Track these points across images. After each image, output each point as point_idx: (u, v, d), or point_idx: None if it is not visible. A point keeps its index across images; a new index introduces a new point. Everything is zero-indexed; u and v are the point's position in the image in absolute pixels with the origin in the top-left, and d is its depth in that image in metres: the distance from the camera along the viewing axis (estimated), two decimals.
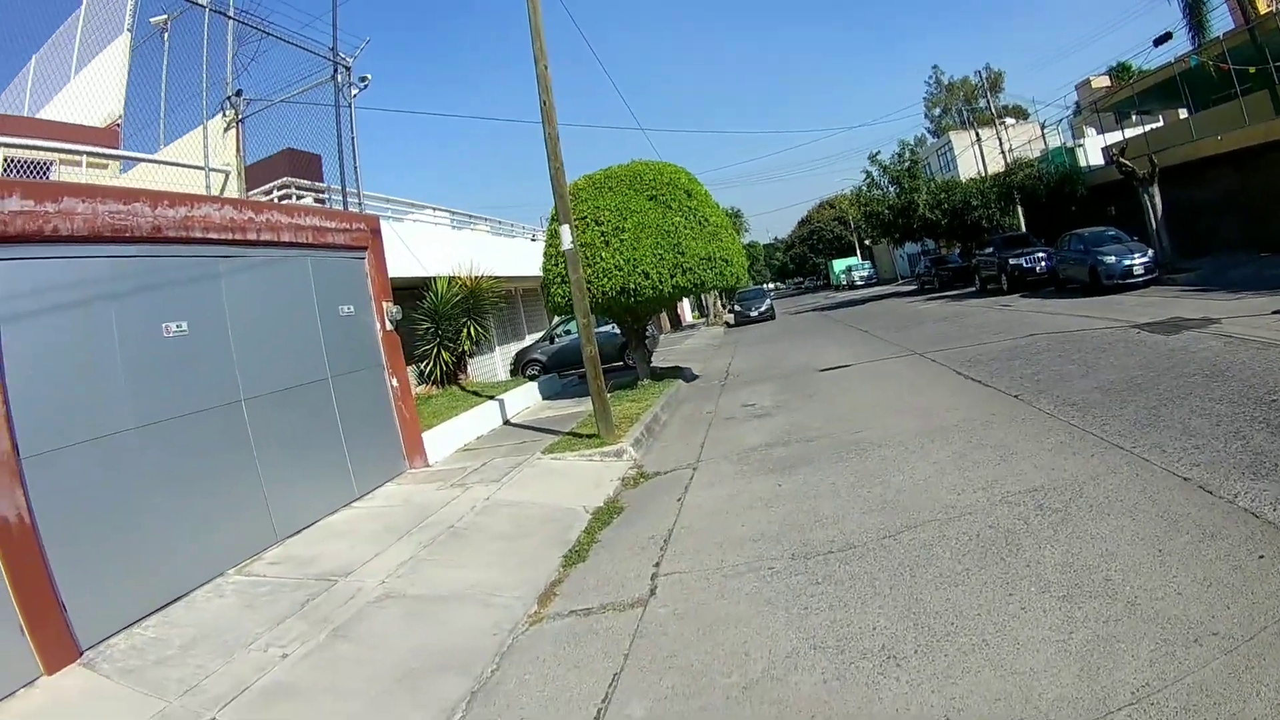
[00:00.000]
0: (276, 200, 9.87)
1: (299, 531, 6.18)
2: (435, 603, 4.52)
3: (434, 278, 13.08)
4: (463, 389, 12.83)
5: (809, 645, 3.21)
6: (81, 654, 4.16)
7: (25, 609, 3.96)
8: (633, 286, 10.87)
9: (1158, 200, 17.69)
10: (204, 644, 4.19)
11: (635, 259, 10.84)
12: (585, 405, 10.96)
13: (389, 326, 8.31)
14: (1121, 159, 18.27)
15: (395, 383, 8.25)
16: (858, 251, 60.45)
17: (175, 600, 4.84)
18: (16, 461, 4.17)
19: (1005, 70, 49.77)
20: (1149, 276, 14.55)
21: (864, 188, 31.19)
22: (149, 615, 4.64)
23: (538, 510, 6.09)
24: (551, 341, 16.66)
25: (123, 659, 4.13)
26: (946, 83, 56.60)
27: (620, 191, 11.41)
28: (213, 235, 5.91)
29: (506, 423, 10.86)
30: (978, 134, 34.18)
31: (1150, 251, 15.01)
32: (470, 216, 17.63)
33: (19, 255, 4.55)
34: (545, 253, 12.32)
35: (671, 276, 10.92)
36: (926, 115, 57.20)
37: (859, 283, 50.20)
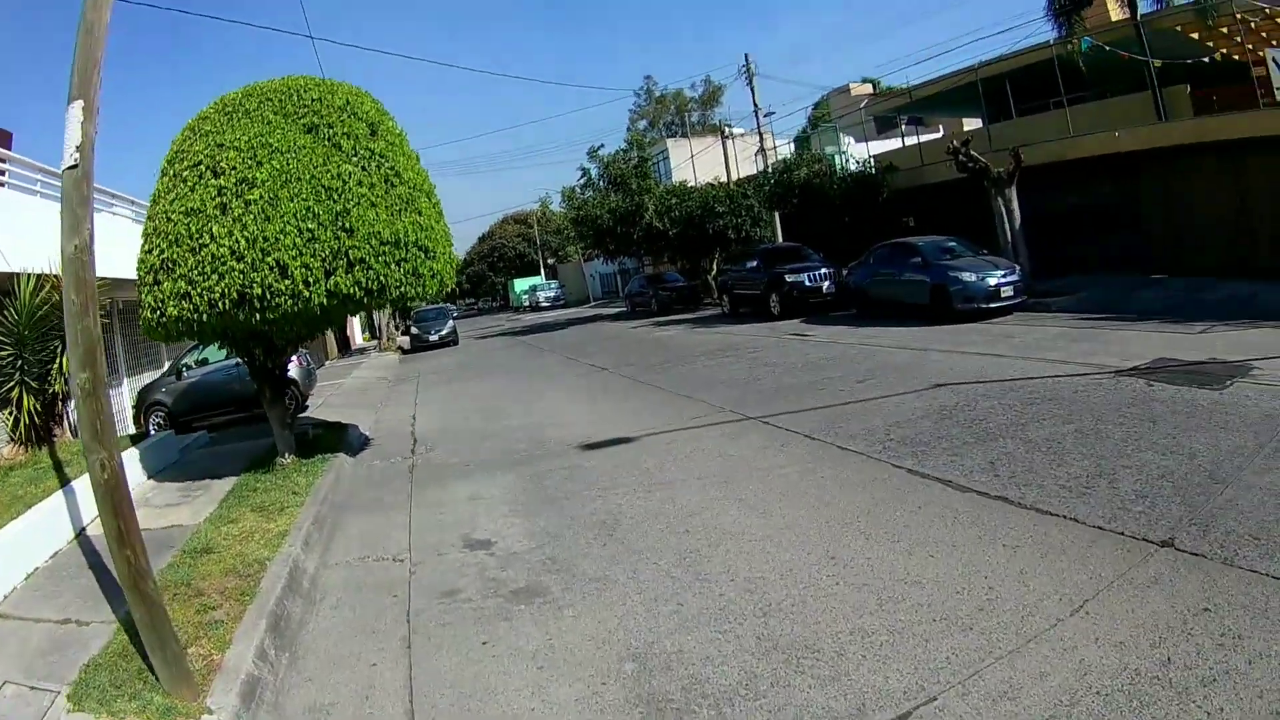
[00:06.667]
0: None
1: None
2: None
3: (17, 274, 7.75)
4: (52, 454, 7.37)
5: None
6: None
7: None
8: (259, 291, 5.79)
9: (1015, 206, 14.14)
10: None
11: (266, 238, 5.77)
12: (216, 492, 6.27)
13: None
14: (971, 152, 14.39)
15: None
16: (542, 270, 54.45)
17: None
18: None
19: (725, 84, 45.21)
20: (1017, 300, 11.52)
21: (577, 188, 25.74)
22: None
23: None
24: (179, 376, 10.77)
25: None
26: (658, 95, 48.65)
27: (262, 118, 6.30)
28: None
29: (81, 533, 5.28)
30: (730, 131, 29.27)
31: (1016, 268, 12.17)
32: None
33: None
34: (144, 229, 6.91)
35: (328, 274, 5.90)
36: (629, 129, 46.61)
37: (544, 304, 43.83)
